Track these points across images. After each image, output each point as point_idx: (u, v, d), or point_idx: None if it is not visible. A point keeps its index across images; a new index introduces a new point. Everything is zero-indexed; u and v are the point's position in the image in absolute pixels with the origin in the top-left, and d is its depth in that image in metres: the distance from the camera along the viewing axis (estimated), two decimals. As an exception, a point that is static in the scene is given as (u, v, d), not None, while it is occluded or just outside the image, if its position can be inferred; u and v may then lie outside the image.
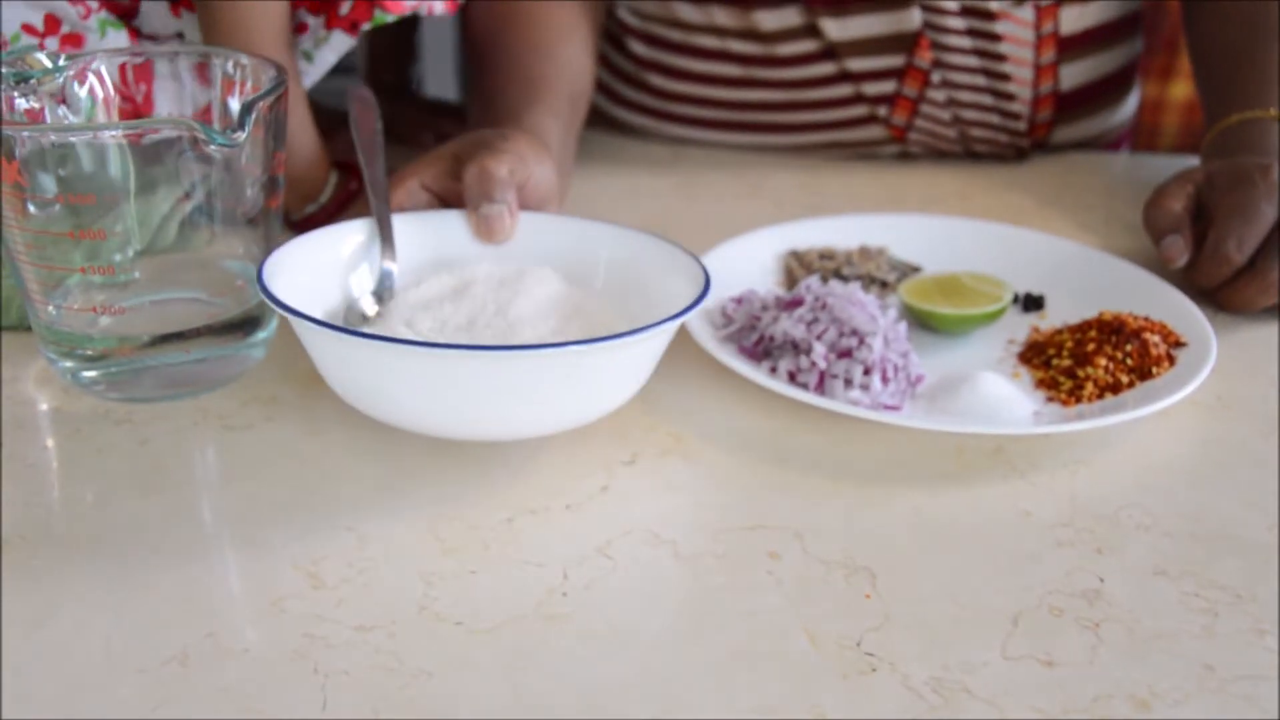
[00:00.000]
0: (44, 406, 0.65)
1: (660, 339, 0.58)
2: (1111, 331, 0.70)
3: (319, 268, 0.65)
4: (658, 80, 1.07)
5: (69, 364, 0.65)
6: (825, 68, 1.00)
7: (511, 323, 0.61)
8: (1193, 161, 0.90)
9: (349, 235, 0.67)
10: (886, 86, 1.00)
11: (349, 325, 0.63)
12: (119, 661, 0.48)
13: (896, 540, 0.56)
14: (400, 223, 0.68)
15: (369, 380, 0.56)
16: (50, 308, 0.63)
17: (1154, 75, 1.57)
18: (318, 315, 0.62)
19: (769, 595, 0.52)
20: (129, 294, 0.65)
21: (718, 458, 0.62)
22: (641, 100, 1.09)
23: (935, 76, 0.99)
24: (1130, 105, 1.14)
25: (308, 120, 0.80)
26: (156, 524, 0.56)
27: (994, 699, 0.47)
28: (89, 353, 0.64)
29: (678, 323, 0.57)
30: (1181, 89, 1.55)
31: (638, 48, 1.06)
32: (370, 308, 0.65)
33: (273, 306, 0.56)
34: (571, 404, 0.57)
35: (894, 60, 0.99)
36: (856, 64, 0.99)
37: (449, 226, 0.69)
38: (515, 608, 0.51)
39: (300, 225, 0.84)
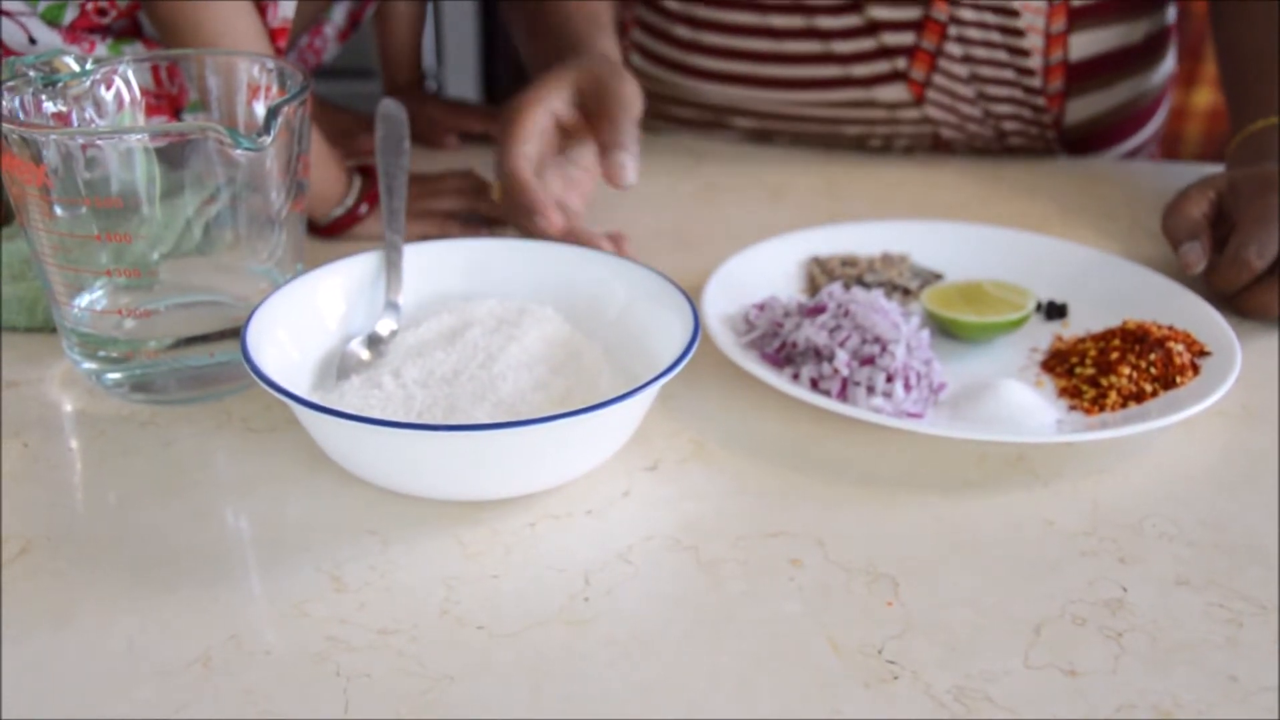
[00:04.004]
0: (68, 408, 0.66)
1: (611, 413, 0.54)
2: (1135, 340, 0.69)
3: (326, 299, 0.65)
4: (683, 31, 1.08)
5: (93, 366, 0.65)
6: (852, 19, 1.02)
7: (494, 376, 0.60)
8: (1217, 169, 0.89)
9: (360, 266, 0.67)
10: (906, 38, 1.01)
11: (344, 368, 0.63)
12: (141, 663, 0.48)
13: (918, 548, 0.56)
14: (411, 254, 0.69)
15: (328, 443, 0.57)
16: (75, 309, 0.64)
17: (1177, 82, 1.57)
18: (317, 353, 0.64)
19: (790, 602, 0.52)
20: (154, 296, 0.66)
21: (739, 464, 0.62)
22: (664, 52, 1.10)
23: (951, 31, 1.00)
24: (1160, 75, 1.13)
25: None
26: (180, 526, 0.56)
27: (1016, 708, 0.47)
28: (113, 354, 0.64)
29: (622, 403, 0.54)
30: (1204, 96, 1.55)
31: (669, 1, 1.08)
32: (364, 352, 0.65)
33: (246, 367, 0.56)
34: (536, 471, 0.56)
35: (912, 12, 1.00)
36: (879, 11, 1.01)
37: (458, 258, 0.70)
38: (537, 613, 0.51)
39: (327, 229, 0.85)
